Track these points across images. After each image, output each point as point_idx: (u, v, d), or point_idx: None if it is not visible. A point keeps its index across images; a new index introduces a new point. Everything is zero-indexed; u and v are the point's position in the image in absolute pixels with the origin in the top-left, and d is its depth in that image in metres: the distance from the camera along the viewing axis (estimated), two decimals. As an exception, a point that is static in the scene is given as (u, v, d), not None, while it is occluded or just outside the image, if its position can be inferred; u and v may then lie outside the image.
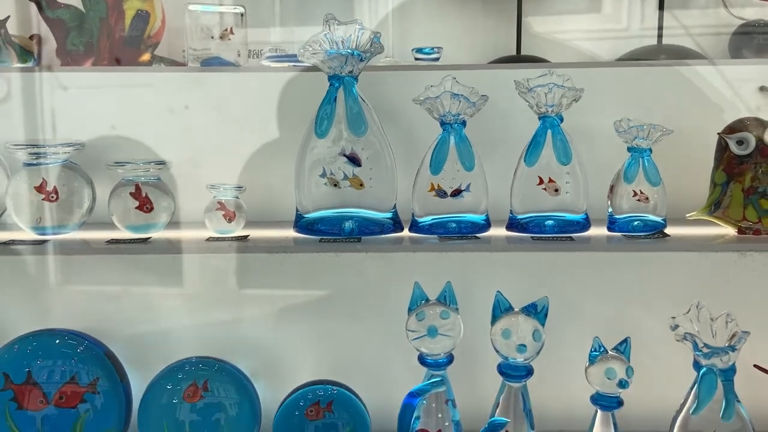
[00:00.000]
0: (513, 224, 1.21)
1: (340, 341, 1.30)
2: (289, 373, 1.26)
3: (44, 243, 1.18)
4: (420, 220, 1.20)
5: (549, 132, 1.18)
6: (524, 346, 1.12)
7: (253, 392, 1.21)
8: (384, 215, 1.20)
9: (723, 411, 1.07)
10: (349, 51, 1.14)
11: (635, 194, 1.19)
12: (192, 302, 1.30)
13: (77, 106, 1.30)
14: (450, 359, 1.14)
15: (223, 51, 1.44)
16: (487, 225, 1.20)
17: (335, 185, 1.18)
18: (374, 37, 1.14)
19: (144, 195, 1.20)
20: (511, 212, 1.21)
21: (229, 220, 1.21)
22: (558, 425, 1.26)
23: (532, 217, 1.20)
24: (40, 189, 1.18)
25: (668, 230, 1.20)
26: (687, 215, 1.23)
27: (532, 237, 1.18)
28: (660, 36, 1.63)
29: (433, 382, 1.13)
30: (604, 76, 1.29)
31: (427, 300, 1.14)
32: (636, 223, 1.20)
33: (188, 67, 1.41)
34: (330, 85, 1.17)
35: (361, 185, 1.17)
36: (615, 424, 1.12)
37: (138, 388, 1.19)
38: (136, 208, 1.20)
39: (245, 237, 1.21)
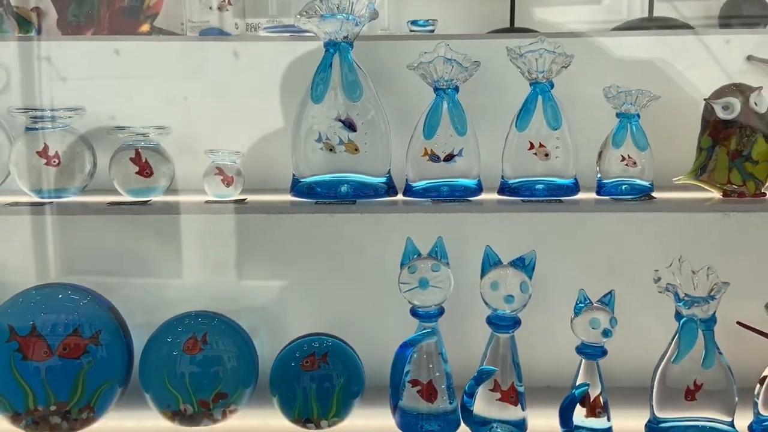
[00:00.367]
0: (504, 188, 1.23)
1: (336, 298, 1.34)
2: (287, 327, 1.29)
3: (48, 205, 1.20)
4: (414, 184, 1.23)
5: (540, 98, 1.20)
6: (512, 296, 1.14)
7: (250, 345, 1.23)
8: (378, 180, 1.22)
9: (703, 359, 1.09)
10: (344, 16, 1.16)
11: (623, 159, 1.21)
12: (192, 261, 1.33)
13: (77, 76, 1.33)
14: (441, 311, 1.17)
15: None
16: (479, 189, 1.23)
17: (331, 150, 1.19)
18: (369, 4, 1.16)
19: (144, 160, 1.22)
20: (502, 177, 1.24)
21: (228, 185, 1.23)
22: (545, 378, 1.29)
23: (522, 181, 1.22)
24: (41, 154, 1.21)
25: (655, 194, 1.22)
26: (674, 179, 1.25)
27: (522, 200, 1.21)
28: (651, 9, 1.66)
29: (424, 333, 1.15)
30: (595, 46, 1.31)
31: (419, 254, 1.17)
32: (624, 186, 1.22)
33: (187, 36, 1.43)
34: (326, 51, 1.19)
35: (356, 150, 1.19)
36: (600, 375, 1.14)
37: (139, 342, 1.21)
38: (136, 173, 1.22)
39: (243, 200, 1.24)
